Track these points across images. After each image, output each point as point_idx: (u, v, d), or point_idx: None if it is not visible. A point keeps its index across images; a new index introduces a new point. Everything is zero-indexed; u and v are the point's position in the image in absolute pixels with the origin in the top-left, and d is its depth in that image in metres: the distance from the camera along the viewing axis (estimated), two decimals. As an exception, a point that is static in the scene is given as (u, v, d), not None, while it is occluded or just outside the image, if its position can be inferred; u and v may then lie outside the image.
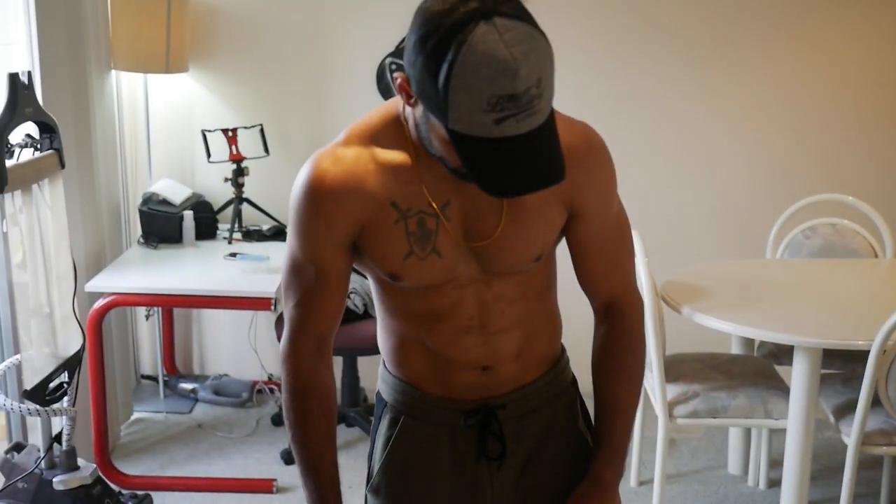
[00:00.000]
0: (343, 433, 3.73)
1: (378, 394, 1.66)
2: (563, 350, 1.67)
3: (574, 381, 1.68)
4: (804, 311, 2.92)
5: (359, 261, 1.50)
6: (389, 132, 1.42)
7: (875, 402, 2.68)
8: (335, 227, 1.42)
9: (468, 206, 1.43)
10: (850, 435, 2.71)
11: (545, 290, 1.57)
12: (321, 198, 1.41)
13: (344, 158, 1.41)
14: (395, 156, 1.42)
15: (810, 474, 2.87)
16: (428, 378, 1.56)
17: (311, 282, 1.46)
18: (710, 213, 4.04)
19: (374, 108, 1.47)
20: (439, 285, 1.47)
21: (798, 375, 2.74)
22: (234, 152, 3.73)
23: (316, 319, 1.49)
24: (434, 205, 1.42)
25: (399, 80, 1.30)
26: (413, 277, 1.45)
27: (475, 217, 1.43)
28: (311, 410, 1.51)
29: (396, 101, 1.44)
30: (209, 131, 3.72)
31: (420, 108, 1.31)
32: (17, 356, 2.76)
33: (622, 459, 1.62)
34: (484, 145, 1.22)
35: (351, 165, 1.41)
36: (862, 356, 2.66)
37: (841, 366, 3.17)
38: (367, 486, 1.66)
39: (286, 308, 1.51)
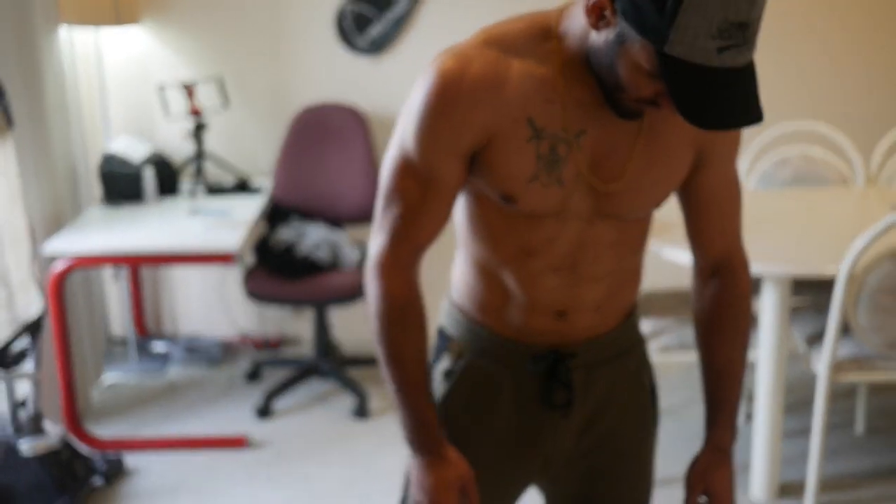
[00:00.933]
0: (318, 386, 3.70)
1: (440, 330, 1.57)
2: (636, 303, 1.60)
3: (642, 337, 1.63)
4: (773, 242, 2.88)
5: (471, 175, 1.38)
6: (532, 43, 1.32)
7: (846, 330, 2.66)
8: (463, 132, 1.32)
9: (602, 139, 1.35)
10: (821, 363, 2.69)
11: (640, 243, 1.50)
12: (454, 97, 1.29)
13: (482, 59, 1.30)
14: (538, 68, 1.31)
15: (786, 406, 2.86)
16: (500, 316, 1.48)
17: (422, 189, 1.35)
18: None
19: (516, 15, 1.37)
20: (547, 216, 1.38)
21: (767, 306, 2.72)
22: (194, 106, 3.64)
23: (421, 229, 1.38)
24: (569, 128, 1.33)
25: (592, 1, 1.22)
26: (528, 202, 1.36)
27: (606, 151, 1.36)
28: (412, 324, 1.41)
29: (545, 14, 1.34)
30: (167, 86, 3.63)
31: (611, 31, 1.22)
32: (-26, 322, 2.71)
33: (735, 423, 1.58)
34: (697, 74, 1.15)
35: (491, 67, 1.30)
36: (833, 286, 2.63)
37: (815, 297, 3.14)
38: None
39: (387, 214, 1.38)
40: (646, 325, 2.93)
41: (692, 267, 1.59)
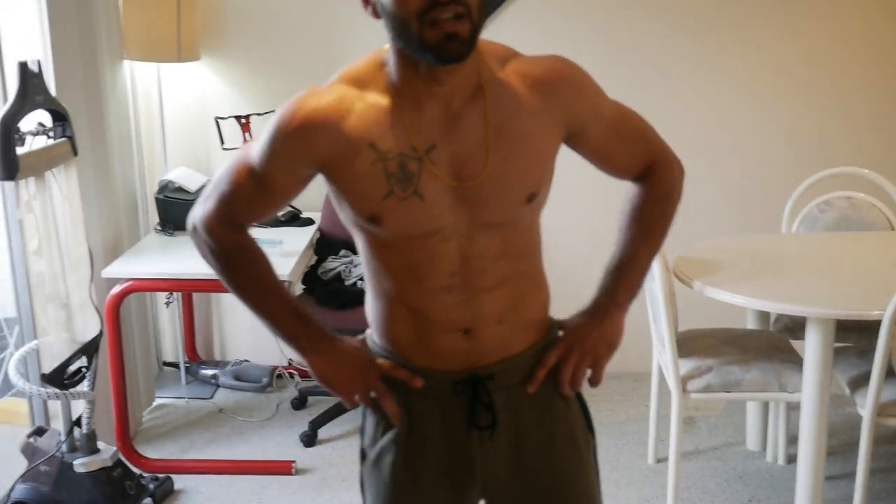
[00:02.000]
0: (360, 416, 3.75)
1: None
2: (552, 323, 1.67)
3: None
4: (817, 284, 2.89)
5: (342, 208, 1.52)
6: (374, 77, 1.46)
7: (890, 373, 2.67)
8: (297, 157, 1.47)
9: (455, 149, 1.45)
10: (865, 406, 2.70)
11: (530, 251, 1.58)
12: (292, 128, 1.45)
13: (325, 96, 1.45)
14: (379, 99, 1.45)
15: (828, 449, 2.85)
16: (412, 344, 1.56)
17: (252, 186, 1.52)
18: (723, 188, 4.01)
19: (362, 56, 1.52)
20: (422, 236, 1.47)
21: (811, 347, 2.73)
22: (248, 138, 3.75)
23: (238, 211, 1.57)
24: (417, 147, 1.43)
25: None
26: (393, 221, 1.46)
27: (463, 158, 1.45)
28: (246, 256, 1.61)
29: (382, 50, 1.47)
30: (222, 118, 3.75)
31: (377, 3, 1.39)
32: (35, 341, 2.81)
33: (623, 298, 1.66)
34: None
35: (330, 104, 1.44)
36: (877, 328, 2.64)
37: (857, 339, 3.15)
38: (361, 461, 1.67)
39: (218, 189, 1.56)
40: (686, 365, 2.95)
41: None
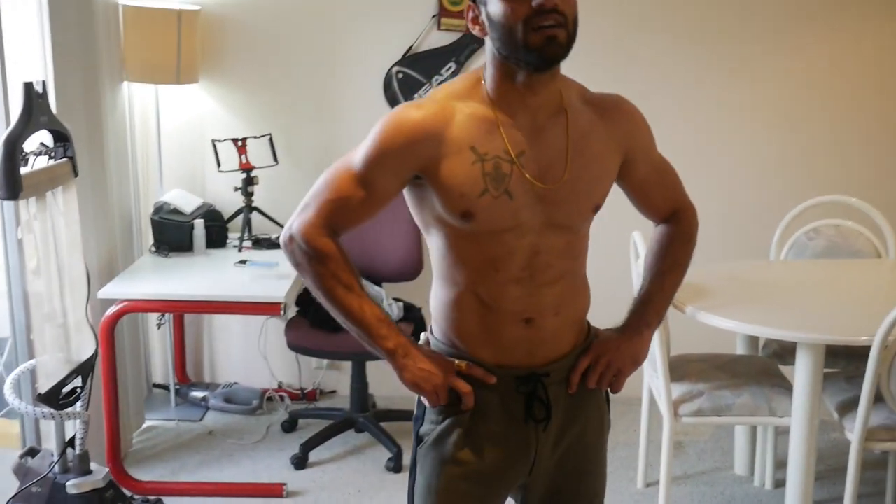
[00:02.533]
0: (353, 439, 3.77)
1: None
2: (590, 326, 1.87)
3: None
4: (807, 310, 2.95)
5: (426, 208, 1.69)
6: (472, 91, 1.68)
7: (878, 398, 2.71)
8: (404, 163, 1.65)
9: (540, 155, 1.67)
10: (853, 430, 2.74)
11: (583, 254, 1.80)
12: (401, 136, 1.63)
13: (428, 107, 1.66)
14: (477, 108, 1.66)
15: (816, 474, 2.89)
16: (478, 334, 1.73)
17: (355, 190, 1.66)
18: (713, 215, 4.02)
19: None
20: (503, 231, 1.66)
21: (801, 372, 2.77)
22: (244, 161, 3.78)
23: (341, 216, 1.69)
24: (511, 151, 1.64)
25: (470, 15, 1.65)
26: (484, 217, 1.64)
27: (546, 165, 1.67)
28: (341, 267, 1.69)
29: (477, 70, 1.71)
30: (219, 141, 3.78)
31: (484, 18, 1.61)
32: (32, 361, 2.81)
33: (653, 315, 1.89)
34: None
35: (435, 113, 1.64)
36: (865, 354, 2.68)
37: (845, 365, 3.20)
38: (416, 444, 1.81)
39: (318, 197, 1.68)
40: (677, 389, 2.99)
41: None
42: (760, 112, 4.02)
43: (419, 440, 1.80)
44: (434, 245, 1.74)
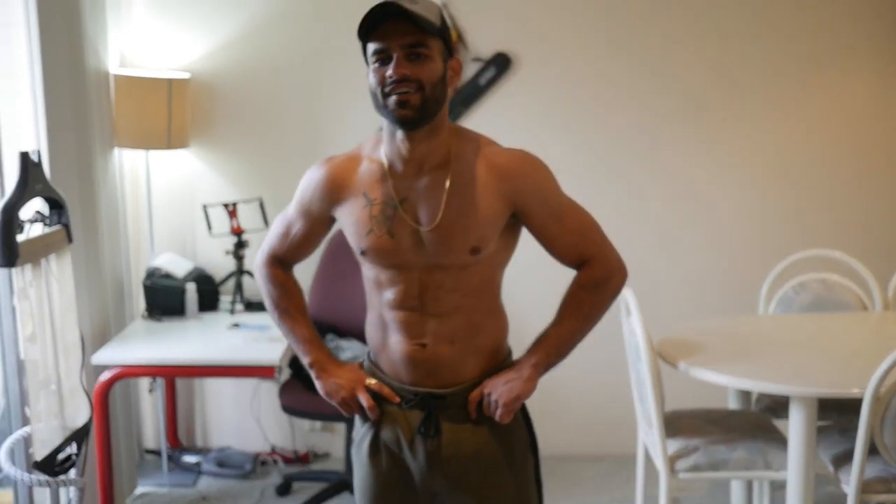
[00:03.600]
0: (348, 501, 3.74)
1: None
2: (509, 353, 2.08)
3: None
4: (798, 364, 2.97)
5: (345, 241, 2.01)
6: (374, 147, 1.98)
7: (872, 450, 2.73)
8: (321, 202, 2.01)
9: (419, 201, 1.92)
10: (849, 483, 2.75)
11: (482, 290, 1.98)
12: (315, 182, 2.01)
13: (338, 160, 2.01)
14: (374, 161, 1.96)
15: (813, 527, 2.89)
16: (383, 348, 2.01)
17: (291, 232, 2.08)
18: (701, 270, 4.13)
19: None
20: (391, 266, 1.95)
21: (795, 425, 2.79)
22: (235, 226, 3.81)
23: (284, 251, 2.10)
24: (395, 197, 1.92)
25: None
26: (372, 251, 1.94)
27: (425, 209, 1.92)
28: (288, 289, 2.13)
29: (381, 131, 1.95)
30: (210, 205, 3.81)
31: (369, 79, 1.86)
32: (27, 428, 2.80)
33: (543, 355, 2.00)
34: (365, 21, 1.80)
35: (341, 164, 1.99)
36: (857, 406, 2.71)
37: (837, 418, 3.21)
38: (348, 445, 2.14)
39: (270, 236, 2.12)
40: (673, 445, 3.00)
41: None
42: (745, 168, 4.10)
43: (349, 441, 2.12)
44: (363, 274, 2.05)
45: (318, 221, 2.05)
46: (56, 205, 2.89)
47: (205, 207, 3.80)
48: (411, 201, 1.92)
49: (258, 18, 3.96)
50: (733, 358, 3.02)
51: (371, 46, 1.83)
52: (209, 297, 3.81)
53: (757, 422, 3.16)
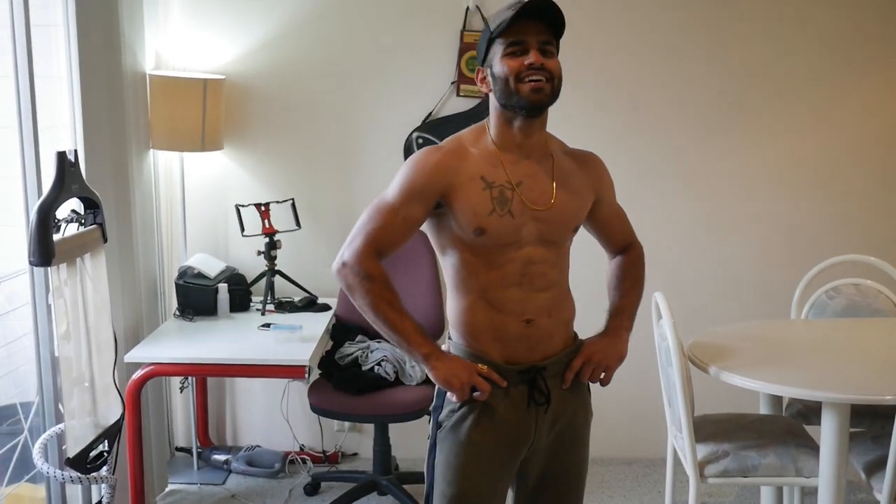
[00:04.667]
0: (376, 502, 3.76)
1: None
2: (576, 334, 2.27)
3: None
4: (831, 369, 2.95)
5: (444, 230, 2.10)
6: (478, 137, 2.14)
7: (905, 458, 2.70)
8: (430, 191, 2.07)
9: (533, 185, 2.10)
10: (882, 491, 2.72)
11: (566, 269, 2.23)
12: (427, 170, 2.07)
13: (445, 148, 2.12)
14: (484, 148, 2.11)
15: (845, 534, 2.86)
16: (487, 332, 2.11)
17: (395, 220, 2.07)
18: (734, 275, 4.10)
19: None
20: (506, 245, 2.07)
21: (827, 432, 2.76)
22: (267, 226, 3.84)
23: (385, 241, 2.08)
24: (511, 181, 2.08)
25: (480, 76, 2.13)
26: (493, 231, 2.05)
27: (538, 192, 2.11)
28: (388, 287, 2.07)
29: (482, 122, 2.15)
30: (243, 206, 3.84)
31: (489, 76, 2.08)
32: (60, 425, 2.84)
33: (627, 321, 2.30)
34: (508, 18, 2.01)
35: (451, 150, 2.11)
36: (890, 413, 2.68)
37: (870, 424, 3.18)
38: (436, 428, 2.16)
39: (365, 227, 2.08)
40: (703, 450, 2.98)
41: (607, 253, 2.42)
42: (778, 173, 4.07)
43: (438, 425, 2.15)
44: (449, 263, 2.14)
45: (427, 206, 2.08)
46: (92, 204, 2.93)
47: (237, 208, 3.84)
48: (526, 185, 2.09)
49: (292, 20, 3.98)
50: (765, 363, 2.99)
51: (507, 39, 2.03)
52: (241, 297, 3.84)
53: (788, 427, 3.13)
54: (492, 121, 2.13)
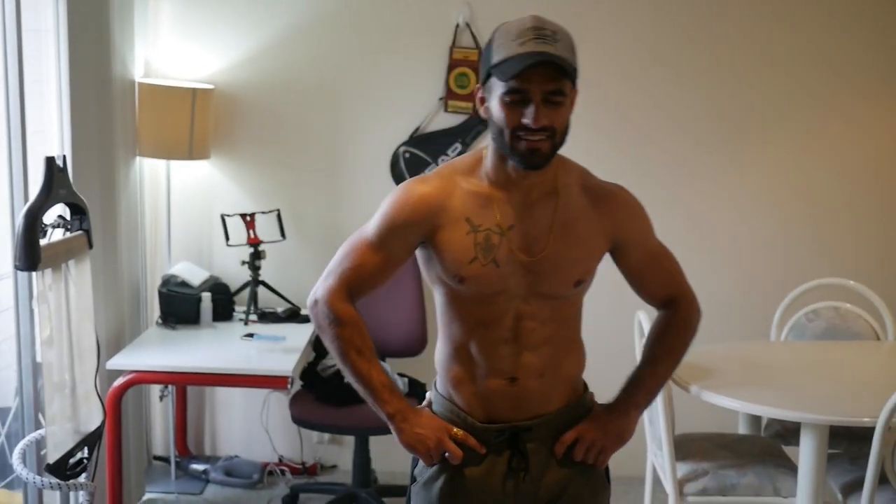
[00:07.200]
0: (354, 514, 3.75)
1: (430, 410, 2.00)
2: (585, 386, 2.02)
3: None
4: (810, 390, 2.98)
5: (431, 268, 1.89)
6: (473, 168, 1.88)
7: (882, 479, 2.73)
8: (412, 230, 1.86)
9: (527, 229, 1.85)
10: (859, 512, 2.75)
11: (571, 321, 1.95)
12: (409, 207, 1.85)
13: (432, 182, 1.87)
14: (476, 184, 1.86)
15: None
16: (467, 387, 1.91)
17: (372, 259, 1.88)
18: (714, 295, 4.08)
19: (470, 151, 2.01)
20: (491, 295, 1.84)
21: (806, 452, 2.79)
22: (252, 236, 3.84)
23: (360, 282, 1.90)
24: (502, 225, 1.83)
25: (478, 96, 1.83)
26: (473, 280, 1.83)
27: (532, 239, 1.85)
28: (359, 332, 1.90)
29: (482, 148, 1.90)
30: (228, 216, 3.84)
31: (486, 98, 1.79)
32: (41, 431, 2.82)
33: (643, 397, 2.01)
34: (512, 61, 1.71)
35: (437, 188, 1.86)
36: (867, 435, 2.71)
37: (847, 446, 3.21)
38: (411, 482, 1.99)
39: (340, 266, 1.90)
40: (682, 468, 3.00)
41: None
42: (759, 196, 4.11)
43: (413, 479, 1.98)
44: (438, 301, 1.94)
45: (409, 246, 1.88)
46: (78, 210, 2.92)
47: (223, 217, 3.83)
48: (518, 229, 1.84)
49: (282, 32, 4.00)
50: (745, 383, 3.02)
51: (508, 84, 1.72)
52: (224, 306, 3.83)
53: (767, 448, 3.16)
54: (489, 152, 1.87)
